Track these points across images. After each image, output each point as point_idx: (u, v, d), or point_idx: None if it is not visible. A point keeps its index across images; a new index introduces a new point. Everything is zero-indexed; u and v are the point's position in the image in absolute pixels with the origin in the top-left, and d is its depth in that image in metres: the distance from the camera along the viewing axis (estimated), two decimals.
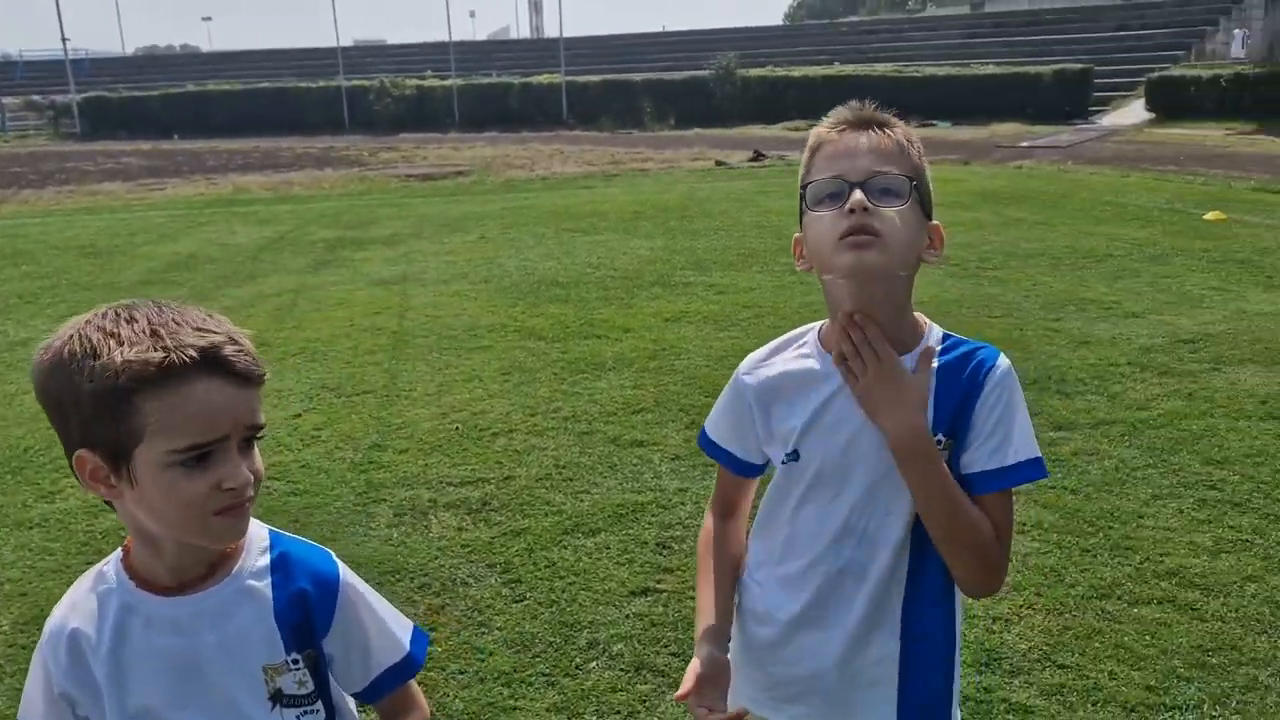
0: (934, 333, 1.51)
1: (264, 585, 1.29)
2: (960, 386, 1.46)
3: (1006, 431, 1.44)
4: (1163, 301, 7.36)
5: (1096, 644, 3.06)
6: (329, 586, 1.34)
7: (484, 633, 3.27)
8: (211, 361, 1.16)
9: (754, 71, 35.60)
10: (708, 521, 1.73)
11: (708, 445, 1.70)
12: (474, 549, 3.85)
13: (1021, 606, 3.29)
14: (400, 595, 3.50)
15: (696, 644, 1.59)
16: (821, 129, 1.51)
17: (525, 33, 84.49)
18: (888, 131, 1.47)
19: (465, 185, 18.28)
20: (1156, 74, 28.17)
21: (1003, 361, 1.47)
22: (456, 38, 48.79)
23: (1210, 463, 4.43)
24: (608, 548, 3.82)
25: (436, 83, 40.52)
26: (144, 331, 1.15)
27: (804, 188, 1.48)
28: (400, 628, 1.42)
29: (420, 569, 3.70)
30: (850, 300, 1.45)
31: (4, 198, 18.37)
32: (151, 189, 19.25)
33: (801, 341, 1.58)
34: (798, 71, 35.04)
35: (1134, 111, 28.37)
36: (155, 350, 1.13)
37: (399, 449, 4.92)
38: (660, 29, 56.93)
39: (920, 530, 1.48)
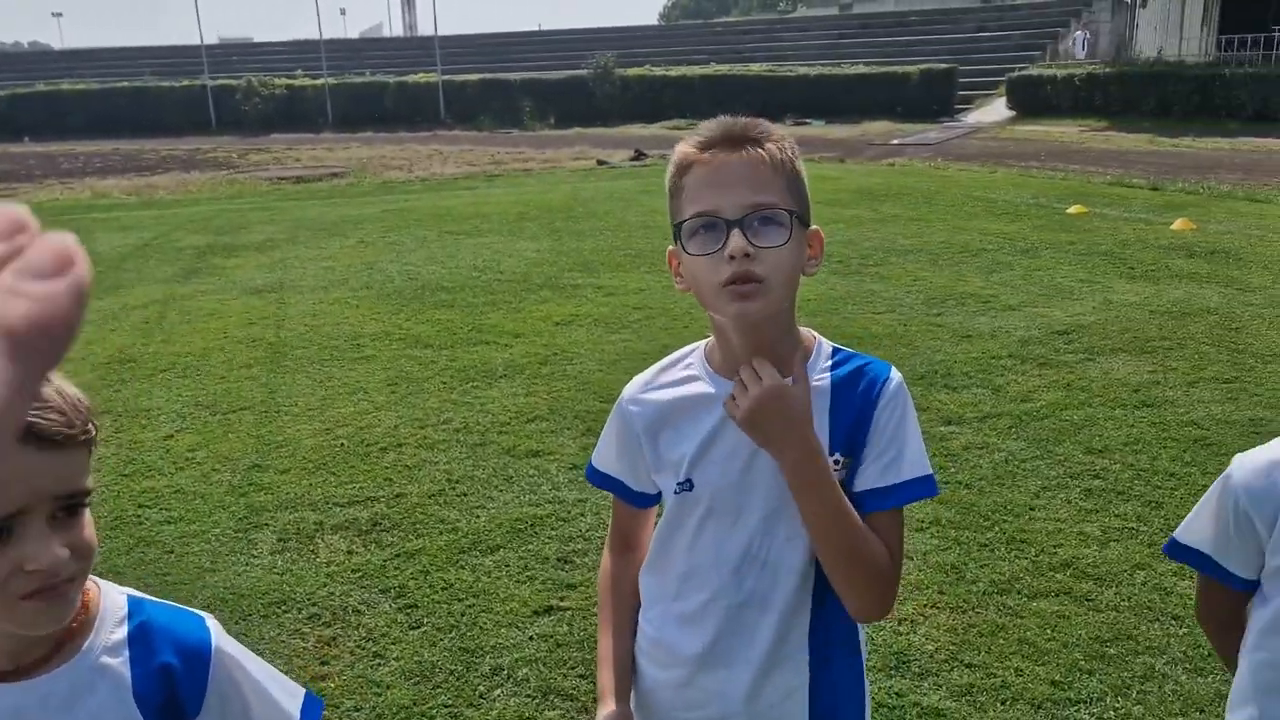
0: (823, 347, 1.46)
1: (120, 662, 1.13)
2: (854, 402, 1.41)
3: (900, 448, 1.40)
4: (1036, 294, 7.61)
5: (1001, 641, 3.10)
6: (199, 658, 1.17)
7: (380, 664, 3.10)
8: None
9: (632, 71, 35.70)
10: (606, 560, 1.64)
11: (597, 478, 1.60)
12: (365, 573, 3.67)
13: (926, 606, 3.30)
14: (288, 627, 3.31)
15: (600, 698, 1.52)
16: (689, 148, 1.39)
17: (398, 30, 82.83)
18: (762, 149, 1.36)
19: (341, 187, 17.74)
20: (1016, 73, 29.38)
21: (895, 375, 1.44)
22: (327, 35, 47.49)
23: (1092, 452, 4.57)
24: (507, 565, 3.69)
25: (308, 82, 39.31)
26: None
27: (677, 225, 1.38)
28: (288, 696, 1.25)
29: (309, 598, 3.50)
30: (738, 340, 1.39)
31: None
32: (1, 194, 18.07)
33: (687, 363, 1.50)
34: (675, 71, 35.29)
35: (996, 109, 29.54)
36: None
37: (280, 469, 4.68)
38: (536, 27, 56.63)
39: None
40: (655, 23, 77.03)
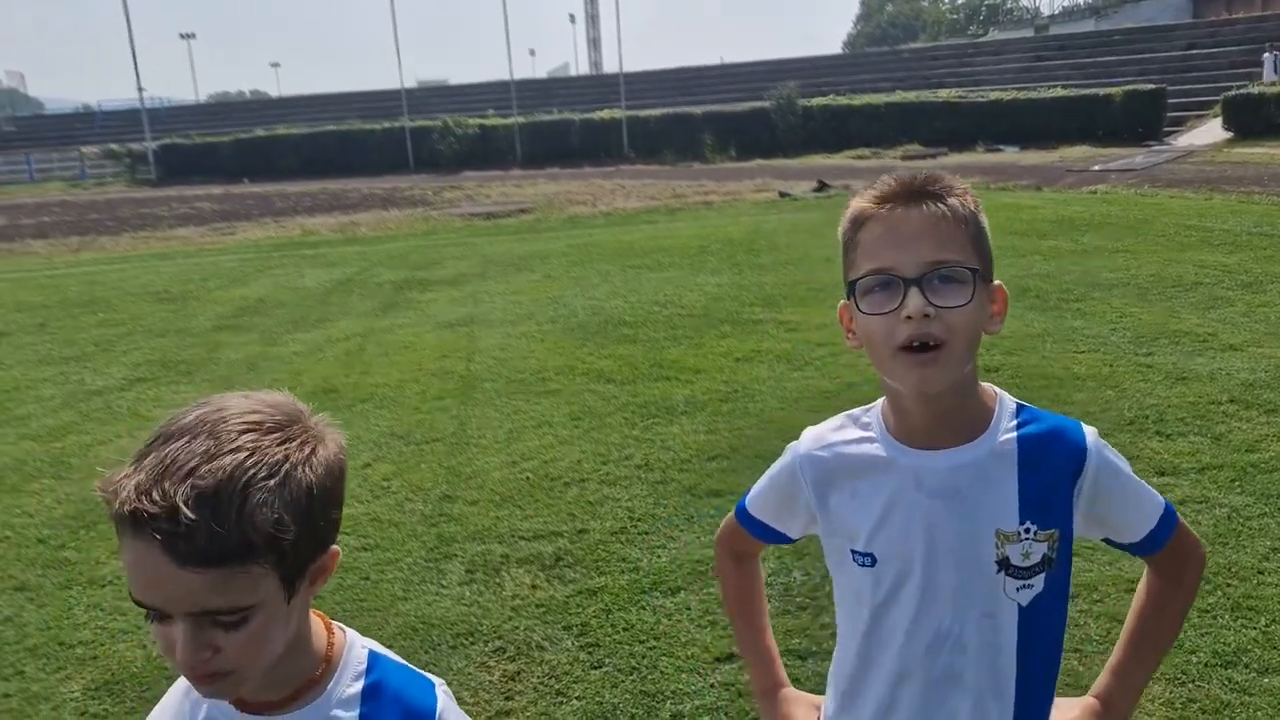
0: (1005, 405, 1.37)
1: (351, 716, 1.15)
2: (1047, 467, 1.33)
3: (1138, 498, 1.39)
4: (1262, 332, 7.00)
5: (1225, 718, 2.81)
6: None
7: (563, 703, 3.12)
8: (138, 525, 0.95)
9: (815, 100, 35.47)
10: (728, 567, 1.67)
11: (746, 520, 1.58)
12: (549, 609, 3.71)
13: None
14: (475, 659, 3.37)
15: (767, 689, 1.63)
16: (865, 202, 1.32)
17: (585, 69, 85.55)
18: (944, 203, 1.28)
19: (528, 223, 18.36)
20: (1233, 92, 27.37)
21: (1090, 433, 1.36)
22: (518, 76, 49.51)
23: None
24: (688, 608, 3.65)
25: (498, 121, 41.10)
26: (153, 462, 0.98)
27: (851, 282, 1.32)
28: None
29: (495, 631, 3.57)
30: (915, 408, 1.33)
31: (82, 245, 18.93)
32: (223, 233, 19.67)
33: (864, 422, 1.43)
34: (859, 99, 34.81)
35: (1210, 131, 27.59)
36: (120, 487, 0.97)
37: (469, 500, 4.82)
38: (719, 60, 57.17)
39: (1029, 633, 1.36)
40: (839, 51, 76.36)
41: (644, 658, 3.34)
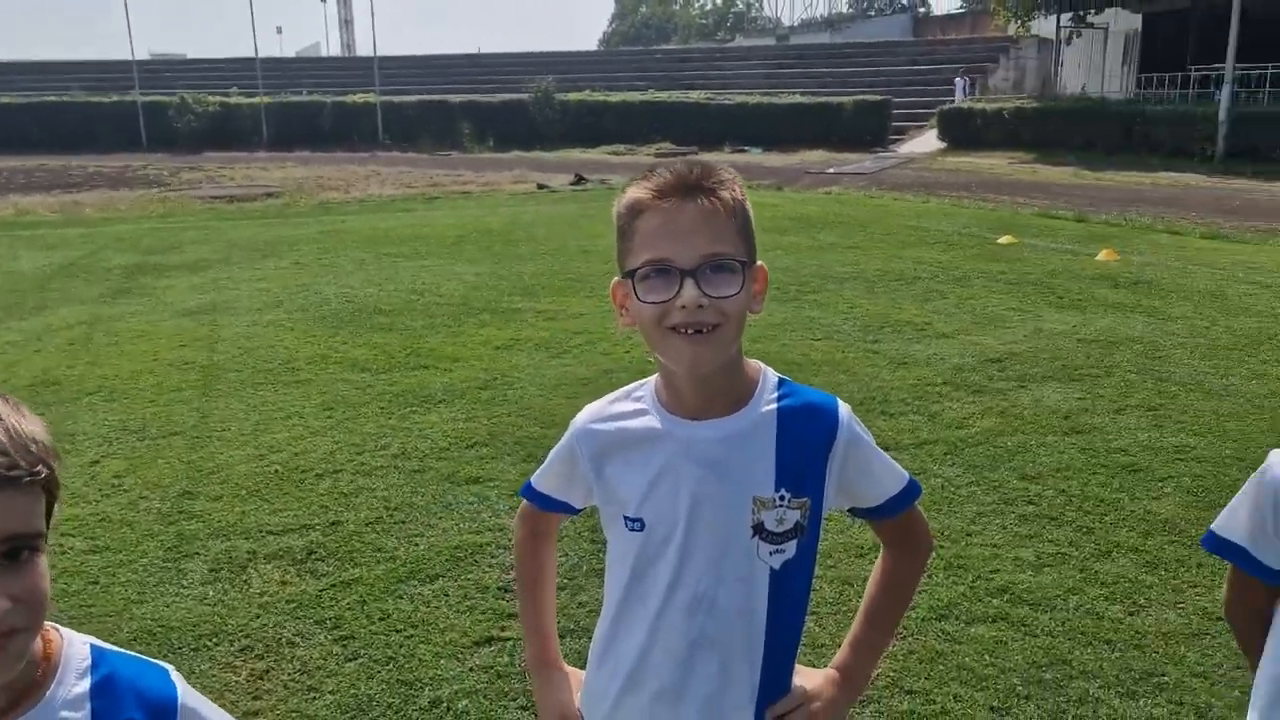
0: (768, 379, 1.47)
1: (81, 716, 1.07)
2: (804, 439, 1.44)
3: (883, 467, 1.51)
4: (969, 322, 7.77)
5: (940, 667, 3.13)
6: (164, 713, 1.12)
7: (315, 698, 3.03)
8: None
9: (572, 95, 35.86)
10: (523, 536, 1.71)
11: (533, 496, 1.64)
12: (300, 604, 3.58)
13: None
14: (220, 660, 3.21)
15: (541, 665, 1.67)
16: (642, 193, 1.37)
17: (336, 50, 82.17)
18: (715, 198, 1.35)
19: (276, 208, 17.48)
20: (946, 106, 30.11)
21: (844, 410, 1.47)
22: (263, 54, 46.86)
23: (1026, 478, 4.66)
24: (446, 594, 3.63)
25: (243, 100, 38.84)
26: None
27: (630, 270, 1.37)
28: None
29: (241, 630, 3.41)
30: (687, 385, 1.42)
31: None
32: None
33: (637, 395, 1.51)
34: (616, 96, 35.52)
35: (928, 141, 30.23)
36: None
37: (212, 496, 4.56)
38: (476, 50, 56.56)
39: (778, 596, 1.45)
40: (595, 49, 77.51)
41: (401, 647, 3.29)
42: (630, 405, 1.50)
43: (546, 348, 7.07)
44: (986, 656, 3.18)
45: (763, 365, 1.48)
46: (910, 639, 3.29)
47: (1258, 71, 24.95)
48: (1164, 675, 3.07)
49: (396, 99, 37.54)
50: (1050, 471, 4.73)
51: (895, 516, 1.54)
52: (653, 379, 1.50)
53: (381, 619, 3.47)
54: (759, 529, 1.41)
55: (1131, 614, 3.44)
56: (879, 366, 6.53)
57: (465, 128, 34.36)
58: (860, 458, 1.47)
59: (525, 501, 1.66)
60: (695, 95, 35.51)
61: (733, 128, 32.10)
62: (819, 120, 31.46)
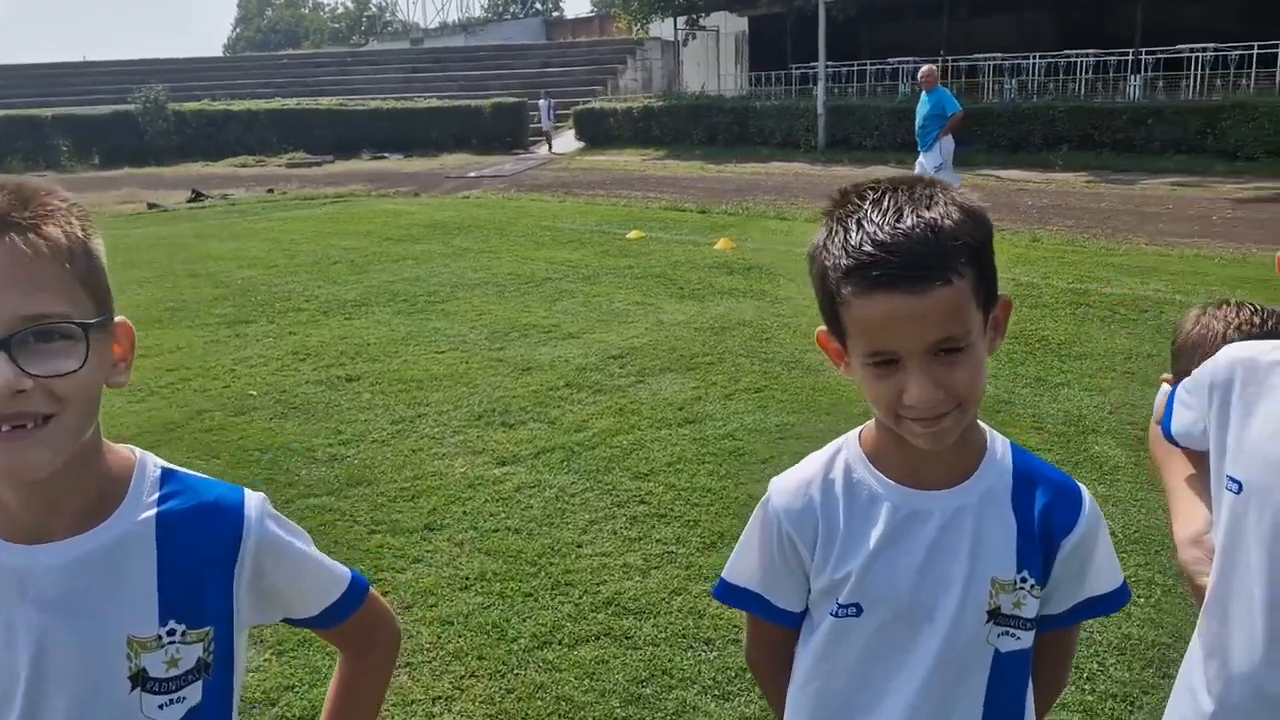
0: (146, 472, 1.15)
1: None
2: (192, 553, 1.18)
3: (315, 574, 1.29)
4: (595, 320, 7.80)
5: (538, 703, 2.93)
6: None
7: None
8: None
9: (189, 105, 33.08)
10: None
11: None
12: None
13: (464, 677, 3.06)
14: None
15: None
16: None
17: None
18: (40, 236, 1.00)
19: None
20: (581, 106, 30.94)
21: (254, 504, 1.24)
22: None
23: (639, 477, 4.63)
24: None
25: None
26: None
27: None
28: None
29: None
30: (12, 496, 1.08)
31: None
32: None
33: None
34: (239, 105, 33.20)
35: (568, 141, 30.89)
36: None
37: None
38: (82, 58, 50.78)
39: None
40: (218, 54, 72.39)
41: None
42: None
43: (129, 391, 6.22)
44: (588, 681, 3.03)
45: (137, 454, 1.15)
46: (510, 675, 3.07)
47: (845, 69, 27.75)
48: None
49: None
50: (662, 467, 4.74)
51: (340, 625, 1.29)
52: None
53: None
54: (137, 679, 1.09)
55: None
56: (503, 375, 6.34)
57: (63, 144, 30.60)
58: (279, 564, 1.20)
59: None
60: (326, 102, 33.98)
61: (370, 134, 31.04)
62: (459, 123, 31.18)
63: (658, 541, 3.95)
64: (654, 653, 3.17)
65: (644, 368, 6.41)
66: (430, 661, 3.14)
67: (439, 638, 3.28)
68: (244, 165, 28.88)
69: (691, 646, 3.20)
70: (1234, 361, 1.51)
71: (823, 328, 1.29)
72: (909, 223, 1.15)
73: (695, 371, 6.31)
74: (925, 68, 12.73)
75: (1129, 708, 2.87)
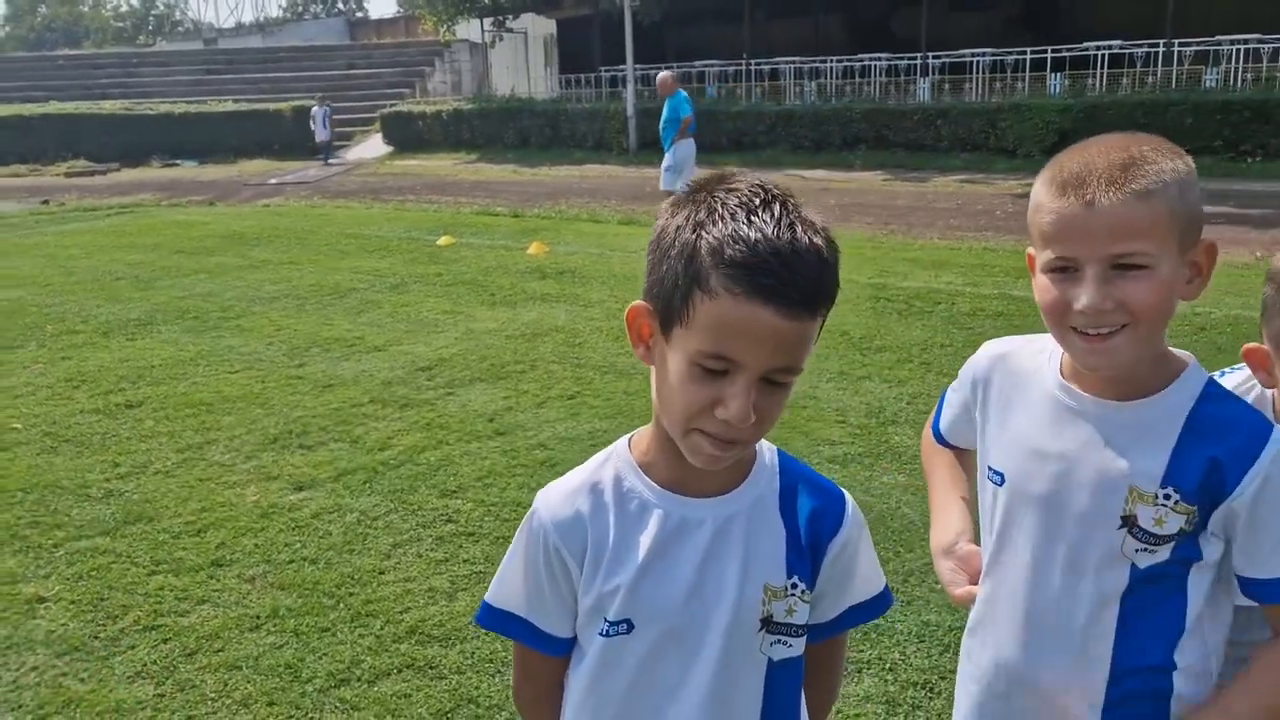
0: None
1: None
2: None
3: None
4: (403, 331, 7.53)
5: None
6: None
7: None
8: None
9: None
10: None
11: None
12: None
13: None
14: None
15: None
16: None
17: None
18: None
19: None
20: (388, 109, 30.09)
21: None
22: None
23: (446, 494, 4.45)
24: None
25: None
26: None
27: None
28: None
29: None
30: None
31: None
32: None
33: None
34: (7, 110, 30.54)
35: (375, 145, 29.96)
36: None
37: None
38: None
39: None
40: None
41: None
42: None
43: None
44: (388, 718, 2.85)
45: None
46: (303, 717, 2.85)
47: (653, 72, 28.11)
48: None
49: None
50: (471, 482, 4.58)
51: None
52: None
53: None
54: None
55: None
56: (301, 394, 6.01)
57: None
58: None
59: None
60: (110, 105, 31.70)
61: (160, 139, 29.13)
62: (259, 128, 29.70)
63: (465, 562, 3.80)
64: (459, 681, 3.02)
65: (453, 379, 6.22)
66: (215, 713, 2.88)
67: (225, 685, 3.02)
68: (15, 175, 26.57)
69: (500, 672, 3.07)
70: (994, 357, 1.56)
71: (642, 302, 1.20)
72: (804, 243, 1.10)
73: (506, 380, 6.16)
74: (661, 75, 13.51)
75: (929, 694, 2.94)
